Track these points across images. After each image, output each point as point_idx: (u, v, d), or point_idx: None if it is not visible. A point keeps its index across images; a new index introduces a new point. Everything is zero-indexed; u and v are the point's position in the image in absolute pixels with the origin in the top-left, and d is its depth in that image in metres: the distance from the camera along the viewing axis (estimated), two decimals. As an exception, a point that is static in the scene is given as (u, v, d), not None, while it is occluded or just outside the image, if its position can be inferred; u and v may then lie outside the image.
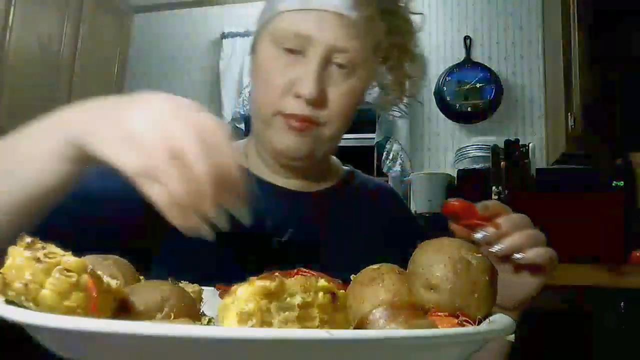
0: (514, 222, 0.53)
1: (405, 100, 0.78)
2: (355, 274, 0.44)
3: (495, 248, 0.53)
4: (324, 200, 0.79)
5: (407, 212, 0.96)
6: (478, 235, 0.52)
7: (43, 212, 0.50)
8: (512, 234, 0.53)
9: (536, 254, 0.53)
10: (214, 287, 0.52)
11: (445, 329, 0.34)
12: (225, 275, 0.50)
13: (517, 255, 0.53)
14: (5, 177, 0.49)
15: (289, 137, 0.70)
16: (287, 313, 0.30)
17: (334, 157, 0.88)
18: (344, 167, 0.89)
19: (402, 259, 0.59)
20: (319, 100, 0.68)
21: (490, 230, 0.52)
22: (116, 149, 0.42)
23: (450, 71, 2.74)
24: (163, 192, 0.40)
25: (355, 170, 0.90)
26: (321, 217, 0.77)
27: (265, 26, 0.74)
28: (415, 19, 0.73)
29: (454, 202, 0.54)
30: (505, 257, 0.54)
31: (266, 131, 0.73)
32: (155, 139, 0.41)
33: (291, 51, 0.69)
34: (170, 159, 0.40)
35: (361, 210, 0.82)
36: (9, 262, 0.31)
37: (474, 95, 2.69)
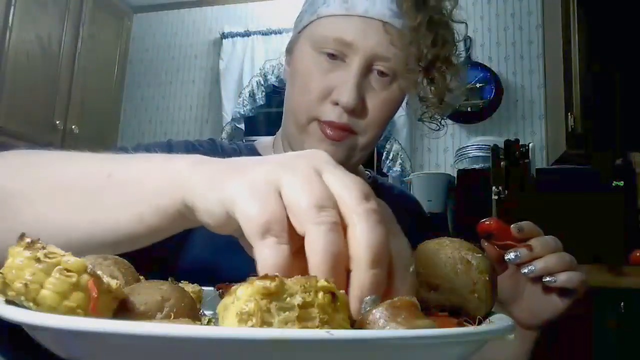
0: (547, 245, 0.54)
1: (444, 113, 0.75)
2: None
3: (527, 269, 0.53)
4: None
5: (428, 220, 0.96)
6: (510, 256, 0.53)
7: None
8: (545, 257, 0.53)
9: (568, 277, 0.54)
10: (214, 287, 0.52)
11: (445, 329, 0.34)
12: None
13: (549, 279, 0.53)
14: (93, 206, 0.38)
15: (324, 145, 0.68)
16: (287, 313, 0.29)
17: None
18: (367, 173, 0.89)
19: None
20: (357, 109, 0.67)
21: (522, 251, 0.53)
22: (240, 195, 0.30)
23: (450, 71, 2.75)
24: (280, 252, 0.29)
25: (378, 177, 0.90)
26: None
27: (304, 30, 0.72)
28: (459, 27, 0.72)
29: (489, 223, 0.54)
30: (536, 278, 0.55)
31: (300, 136, 0.71)
32: (299, 182, 0.30)
33: (331, 56, 0.67)
34: (319, 208, 0.28)
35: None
36: (9, 262, 0.31)
37: (474, 95, 2.69)
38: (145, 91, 3.35)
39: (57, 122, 2.61)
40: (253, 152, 0.81)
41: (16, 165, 0.44)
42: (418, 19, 0.65)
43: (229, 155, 0.38)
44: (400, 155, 2.71)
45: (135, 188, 0.37)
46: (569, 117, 2.11)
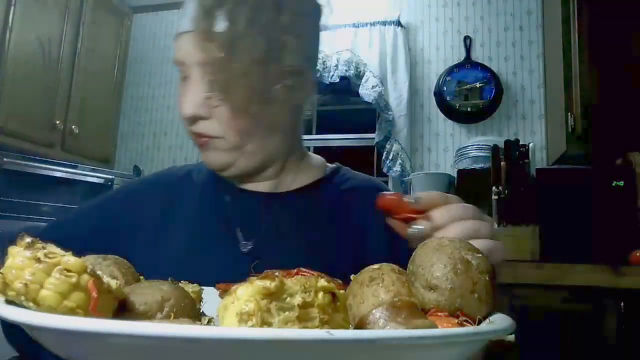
0: (451, 214, 0.49)
1: (305, 96, 0.74)
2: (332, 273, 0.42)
3: None
4: (296, 200, 0.79)
5: None
6: (410, 231, 0.48)
7: None
8: (447, 227, 0.48)
9: None
10: (214, 286, 0.52)
11: (445, 329, 0.34)
12: (195, 282, 0.50)
13: None
14: None
15: (202, 153, 0.73)
16: (287, 313, 0.30)
17: (315, 156, 0.86)
18: (330, 165, 0.87)
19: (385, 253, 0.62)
20: (197, 117, 0.70)
21: (422, 224, 0.48)
22: None
23: (450, 71, 2.75)
24: None
25: (343, 168, 0.88)
26: (292, 216, 0.77)
27: None
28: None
29: (385, 196, 0.50)
30: None
31: None
32: None
33: (183, 78, 0.73)
34: None
35: (337, 207, 0.79)
36: (9, 262, 0.31)
37: (474, 95, 2.69)
38: (145, 91, 3.35)
39: (57, 122, 2.61)
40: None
41: None
42: (204, 24, 0.66)
43: None
44: (400, 155, 2.70)
45: None
46: (569, 117, 2.11)
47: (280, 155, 0.78)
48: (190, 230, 0.76)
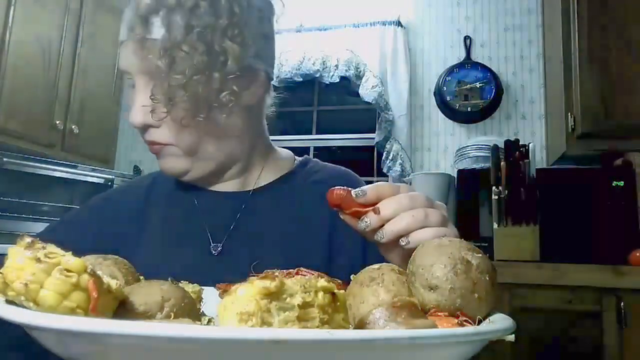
0: (398, 204, 0.48)
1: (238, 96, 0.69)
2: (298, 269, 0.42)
3: (378, 236, 0.47)
4: (263, 197, 0.78)
5: None
6: (361, 225, 0.48)
7: None
8: (395, 218, 0.47)
9: (422, 236, 0.47)
10: (214, 286, 0.52)
11: (445, 329, 0.34)
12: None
13: (402, 241, 0.47)
14: None
15: (158, 160, 0.72)
16: (287, 313, 0.30)
17: (284, 151, 0.86)
18: (299, 159, 0.86)
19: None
20: (147, 126, 0.68)
21: (371, 217, 0.47)
22: None
23: (450, 71, 2.75)
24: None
25: (311, 160, 0.86)
26: (260, 214, 0.76)
27: None
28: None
29: (333, 192, 0.49)
30: (396, 244, 0.48)
31: None
32: None
33: (131, 87, 0.71)
34: None
35: (307, 200, 0.77)
36: (9, 262, 0.31)
37: (474, 95, 2.69)
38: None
39: (57, 122, 2.60)
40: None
41: None
42: (140, 31, 0.65)
43: None
44: (400, 155, 2.70)
45: None
46: (569, 117, 2.11)
47: (240, 156, 0.76)
48: (161, 236, 0.75)
